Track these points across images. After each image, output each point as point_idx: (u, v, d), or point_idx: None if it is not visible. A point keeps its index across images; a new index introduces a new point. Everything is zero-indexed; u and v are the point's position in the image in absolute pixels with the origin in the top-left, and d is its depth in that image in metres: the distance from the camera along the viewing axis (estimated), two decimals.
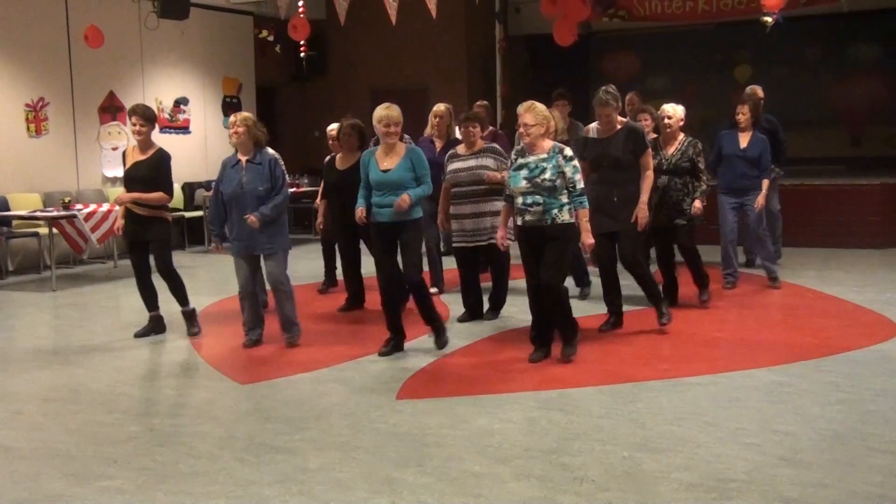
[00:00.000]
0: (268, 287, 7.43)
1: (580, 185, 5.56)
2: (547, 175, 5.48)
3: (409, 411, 4.77)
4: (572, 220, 5.56)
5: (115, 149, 11.60)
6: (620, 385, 5.18)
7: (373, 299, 7.19)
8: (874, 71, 14.55)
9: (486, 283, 7.23)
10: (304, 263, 9.95)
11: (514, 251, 6.38)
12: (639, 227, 6.32)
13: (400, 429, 4.48)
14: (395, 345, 6.02)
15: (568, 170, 5.52)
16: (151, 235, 6.51)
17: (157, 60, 12.38)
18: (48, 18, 10.82)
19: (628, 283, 6.68)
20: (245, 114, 6.29)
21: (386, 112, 5.84)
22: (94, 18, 10.52)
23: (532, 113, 5.57)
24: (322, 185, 7.86)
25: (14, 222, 10.01)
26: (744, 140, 7.99)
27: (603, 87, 6.38)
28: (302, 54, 13.15)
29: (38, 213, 9.53)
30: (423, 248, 7.88)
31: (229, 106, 13.45)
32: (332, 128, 8.00)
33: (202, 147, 13.18)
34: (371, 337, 6.34)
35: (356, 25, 13.01)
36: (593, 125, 6.57)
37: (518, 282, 6.76)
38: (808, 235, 10.64)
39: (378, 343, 6.07)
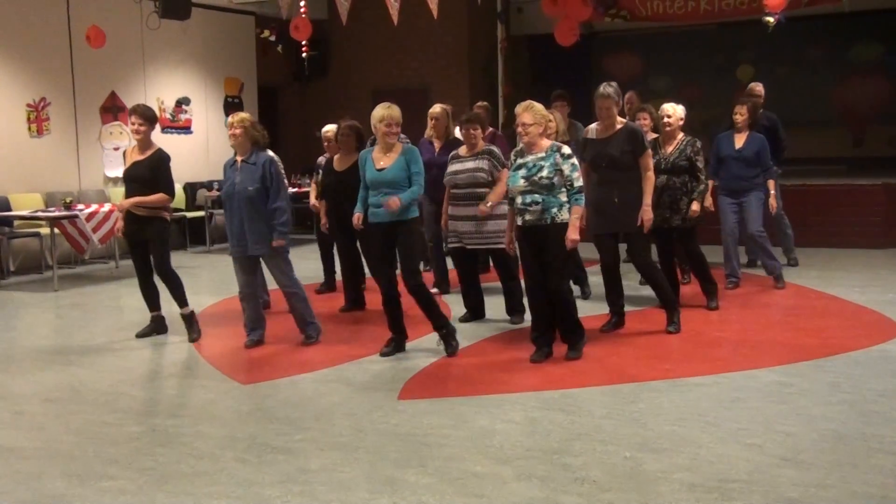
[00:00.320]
0: (271, 287, 7.49)
1: (578, 182, 5.56)
2: (544, 173, 5.49)
3: (410, 411, 4.77)
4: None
5: (116, 149, 11.60)
6: (622, 385, 5.18)
7: (372, 299, 7.19)
8: (876, 71, 14.55)
9: (486, 284, 7.22)
10: (305, 263, 9.94)
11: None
12: (645, 229, 6.31)
13: (401, 429, 4.48)
14: (396, 345, 6.02)
15: (566, 167, 5.53)
16: (149, 234, 6.50)
17: (158, 60, 12.39)
18: (50, 18, 10.83)
19: (630, 284, 6.68)
20: (243, 114, 6.27)
21: (388, 112, 5.84)
22: (96, 18, 10.53)
23: (530, 112, 5.59)
24: (316, 185, 7.83)
25: (16, 222, 10.02)
26: (739, 141, 7.99)
27: (605, 82, 6.40)
28: (304, 54, 13.15)
29: (39, 214, 9.54)
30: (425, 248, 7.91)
31: (231, 106, 13.45)
32: (328, 129, 7.95)
33: (204, 147, 13.19)
34: (372, 337, 6.34)
35: (358, 25, 13.00)
36: (593, 126, 6.56)
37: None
38: (809, 235, 10.62)
39: (379, 343, 6.08)
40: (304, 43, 12.29)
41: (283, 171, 6.34)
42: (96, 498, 3.72)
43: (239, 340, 6.38)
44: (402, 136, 6.90)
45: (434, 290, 7.94)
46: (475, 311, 6.99)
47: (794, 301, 7.63)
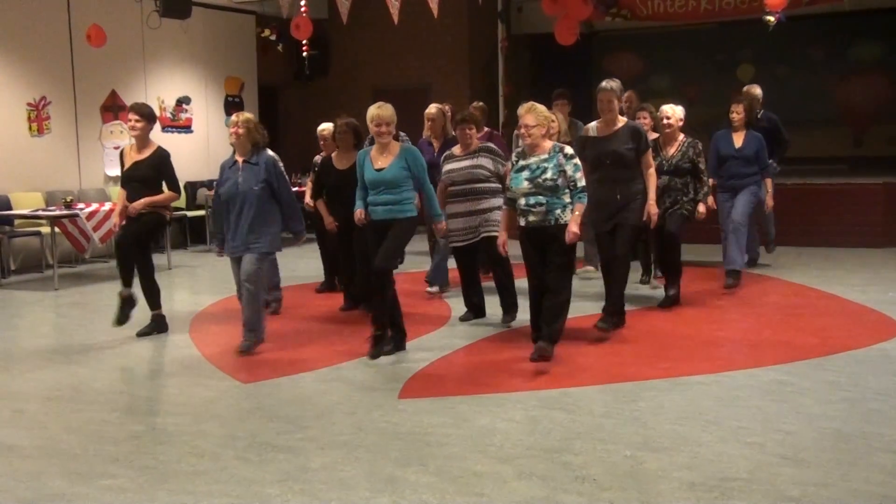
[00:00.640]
0: (271, 287, 7.48)
1: (581, 182, 5.56)
2: (548, 175, 5.50)
3: (410, 410, 4.77)
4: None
5: (117, 148, 11.56)
6: (622, 384, 5.18)
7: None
8: (877, 70, 14.54)
9: (487, 283, 7.22)
10: (305, 263, 9.94)
11: (512, 251, 6.38)
12: (651, 224, 6.34)
13: (402, 428, 4.48)
14: (395, 344, 6.00)
15: (569, 168, 5.53)
16: (142, 220, 6.49)
17: (159, 59, 12.39)
18: (50, 17, 10.83)
19: (629, 284, 6.67)
20: (247, 115, 6.27)
21: (377, 111, 5.84)
22: (97, 17, 10.54)
23: (533, 114, 5.58)
24: (313, 183, 7.79)
25: (16, 221, 10.02)
26: (738, 140, 8.01)
27: (607, 79, 6.41)
28: (304, 54, 13.15)
29: (40, 212, 9.54)
30: (424, 247, 7.92)
31: (231, 105, 13.46)
32: (323, 127, 7.92)
33: (204, 146, 13.19)
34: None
35: (358, 25, 13.00)
36: (593, 124, 6.56)
37: (519, 282, 6.74)
38: (810, 235, 10.64)
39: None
40: (304, 42, 12.29)
41: (284, 172, 6.33)
42: (97, 496, 3.72)
43: (239, 339, 6.36)
44: (403, 135, 6.91)
45: (434, 289, 7.95)
46: (476, 310, 6.99)
47: (794, 300, 7.63)
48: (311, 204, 7.71)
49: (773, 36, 10.11)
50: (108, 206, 9.75)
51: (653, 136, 7.29)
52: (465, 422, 4.55)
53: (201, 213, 12.33)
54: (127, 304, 6.62)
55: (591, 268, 8.52)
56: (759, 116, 8.55)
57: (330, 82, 15.05)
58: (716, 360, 5.73)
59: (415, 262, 9.33)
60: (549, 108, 6.30)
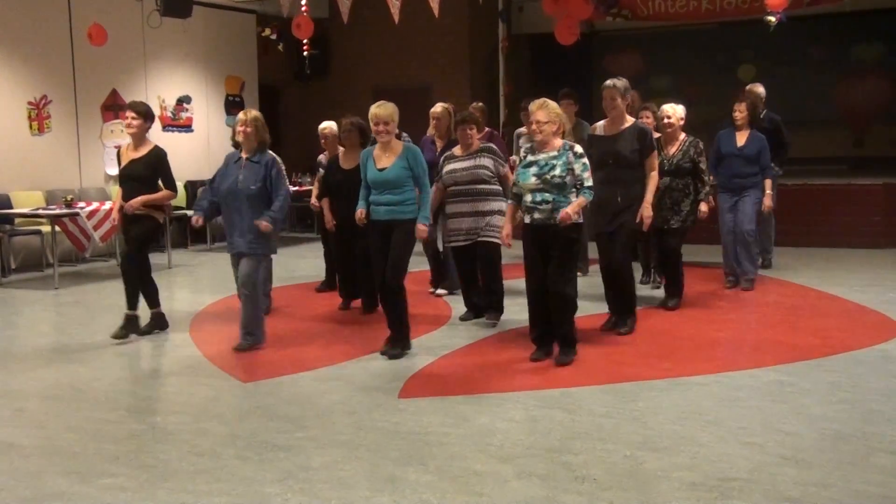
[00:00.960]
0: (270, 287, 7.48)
1: (588, 182, 5.53)
2: (556, 172, 5.47)
3: (411, 410, 4.77)
4: (580, 220, 5.56)
5: (117, 147, 11.55)
6: (622, 384, 5.18)
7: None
8: (878, 71, 14.55)
9: None
10: (305, 262, 9.95)
11: (509, 252, 6.39)
12: (644, 227, 6.29)
13: (402, 427, 4.48)
14: (403, 344, 5.97)
15: (577, 167, 5.51)
16: (135, 230, 6.51)
17: (159, 58, 12.39)
18: (51, 16, 10.83)
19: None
20: (255, 113, 6.20)
21: (375, 111, 5.84)
22: (98, 16, 10.53)
23: (545, 110, 5.56)
24: (319, 184, 7.77)
25: (17, 220, 10.02)
26: (741, 139, 7.98)
27: (614, 78, 6.40)
28: (305, 53, 13.14)
29: (40, 211, 9.54)
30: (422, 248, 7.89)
31: (232, 104, 13.47)
32: (324, 126, 7.89)
33: (205, 145, 13.19)
34: (373, 336, 6.33)
35: (359, 24, 12.98)
36: (600, 123, 6.54)
37: (518, 281, 6.76)
38: (810, 235, 10.64)
39: (381, 344, 6.07)
40: (305, 42, 12.28)
41: (284, 171, 6.32)
42: (97, 495, 3.72)
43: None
44: (405, 134, 6.90)
45: (441, 291, 7.95)
46: (477, 310, 6.99)
47: (794, 301, 7.63)
48: (317, 204, 7.70)
49: (773, 36, 10.10)
50: (108, 205, 9.74)
51: (655, 135, 7.28)
52: (465, 421, 4.55)
53: None
54: (130, 324, 6.62)
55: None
56: (761, 116, 8.52)
57: (330, 82, 15.06)
58: (716, 360, 5.73)
59: (414, 261, 9.29)
60: None
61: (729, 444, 4.14)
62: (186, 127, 12.94)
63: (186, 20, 11.17)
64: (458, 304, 7.20)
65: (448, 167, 6.80)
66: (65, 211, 9.36)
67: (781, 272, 8.91)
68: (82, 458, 4.16)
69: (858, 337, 6.20)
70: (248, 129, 6.05)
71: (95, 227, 9.53)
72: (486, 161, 6.69)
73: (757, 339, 6.31)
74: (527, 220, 5.64)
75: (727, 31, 14.50)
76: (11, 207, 10.06)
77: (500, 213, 6.58)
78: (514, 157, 8.60)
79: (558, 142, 5.61)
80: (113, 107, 11.74)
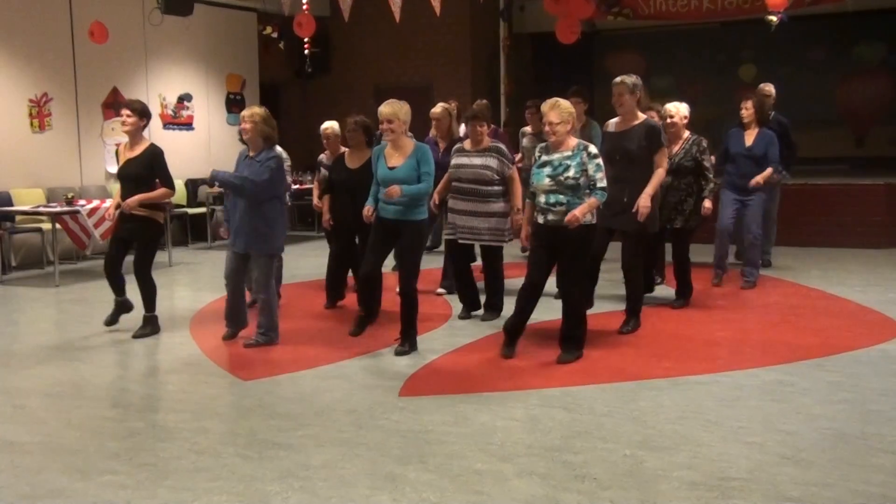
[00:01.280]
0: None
1: (601, 183, 5.48)
2: (570, 173, 5.45)
3: (411, 408, 4.77)
4: (593, 221, 5.55)
5: (118, 144, 11.59)
6: (623, 383, 5.18)
7: (385, 298, 7.05)
8: (879, 71, 14.53)
9: (481, 284, 7.21)
10: (306, 261, 9.94)
11: (510, 251, 6.37)
12: (639, 216, 6.21)
13: (402, 426, 4.48)
14: (411, 343, 5.96)
15: (591, 167, 5.47)
16: (137, 235, 6.50)
17: (160, 56, 12.39)
18: (52, 14, 10.83)
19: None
20: (255, 109, 6.15)
21: (380, 108, 5.83)
22: (99, 14, 10.54)
23: (557, 111, 5.51)
24: (319, 182, 7.75)
25: (17, 218, 10.02)
26: (749, 138, 7.93)
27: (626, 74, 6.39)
28: (306, 51, 13.15)
29: (41, 209, 9.54)
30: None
31: (233, 103, 13.48)
32: (326, 126, 7.88)
33: (205, 143, 13.19)
34: (373, 335, 6.34)
35: (360, 23, 13.01)
36: (613, 120, 6.51)
37: (519, 280, 6.75)
38: (811, 235, 10.64)
39: (381, 341, 6.07)
40: (306, 40, 12.29)
41: (283, 168, 6.27)
42: (97, 492, 3.72)
43: (240, 337, 6.37)
44: (409, 134, 6.88)
45: (441, 291, 7.95)
46: (471, 303, 6.98)
47: (794, 301, 7.63)
48: (319, 204, 7.67)
49: (775, 36, 10.10)
50: (109, 202, 9.71)
51: None
52: (465, 420, 4.55)
53: (202, 210, 12.33)
54: (120, 308, 6.65)
55: None
56: (770, 117, 8.47)
57: (331, 80, 15.06)
58: (716, 359, 5.73)
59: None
60: None
61: (729, 444, 4.14)
62: (187, 125, 12.94)
63: (187, 18, 11.18)
64: (457, 304, 7.19)
65: (456, 161, 6.79)
66: (65, 209, 9.35)
67: (782, 272, 8.91)
68: (82, 455, 4.17)
69: (859, 337, 6.20)
70: (247, 126, 6.01)
71: (96, 225, 9.53)
72: (493, 162, 6.67)
73: (757, 338, 6.30)
74: (539, 220, 5.61)
75: (728, 30, 14.49)
76: (12, 205, 10.07)
77: (502, 214, 6.59)
78: (518, 156, 8.62)
79: (573, 141, 5.57)
80: (114, 104, 11.72)
